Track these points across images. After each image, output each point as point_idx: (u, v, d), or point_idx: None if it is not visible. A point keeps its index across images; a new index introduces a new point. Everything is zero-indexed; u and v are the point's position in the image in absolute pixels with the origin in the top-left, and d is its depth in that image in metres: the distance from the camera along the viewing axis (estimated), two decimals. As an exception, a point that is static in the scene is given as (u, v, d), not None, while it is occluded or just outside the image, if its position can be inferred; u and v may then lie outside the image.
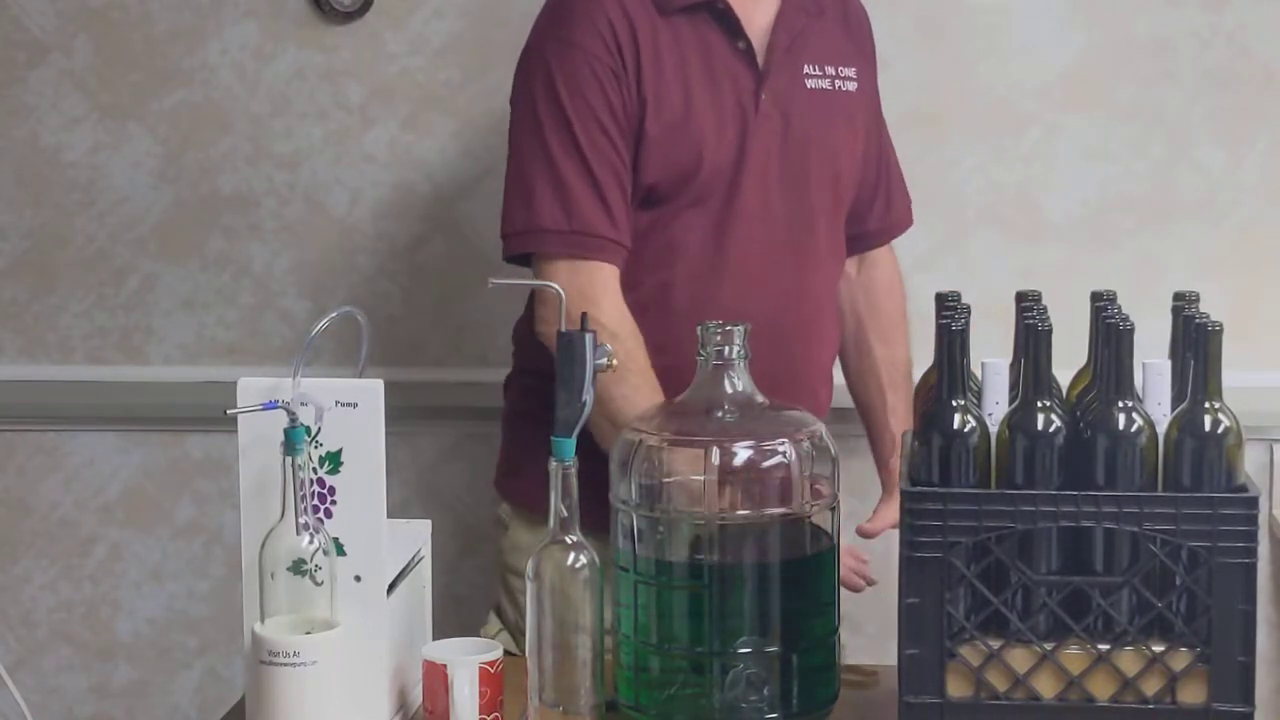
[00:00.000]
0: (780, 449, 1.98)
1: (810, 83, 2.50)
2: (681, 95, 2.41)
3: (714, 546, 1.97)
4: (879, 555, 2.60)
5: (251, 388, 1.96)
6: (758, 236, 2.45)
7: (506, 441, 2.62)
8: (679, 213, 2.43)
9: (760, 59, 2.45)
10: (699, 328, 2.02)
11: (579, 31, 2.38)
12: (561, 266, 2.36)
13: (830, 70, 2.52)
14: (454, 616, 2.84)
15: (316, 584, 1.92)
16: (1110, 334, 1.88)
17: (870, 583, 2.58)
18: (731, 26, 2.44)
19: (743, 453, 1.97)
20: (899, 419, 2.62)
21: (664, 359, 2.35)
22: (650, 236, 2.43)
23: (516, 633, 2.49)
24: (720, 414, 2.00)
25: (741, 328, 2.01)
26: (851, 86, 2.53)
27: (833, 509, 2.02)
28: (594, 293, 2.34)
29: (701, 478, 1.97)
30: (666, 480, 1.99)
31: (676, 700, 1.98)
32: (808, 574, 2.01)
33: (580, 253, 2.36)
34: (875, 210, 2.64)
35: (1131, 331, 1.88)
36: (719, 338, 2.00)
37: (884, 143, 2.66)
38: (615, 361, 2.02)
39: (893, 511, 2.54)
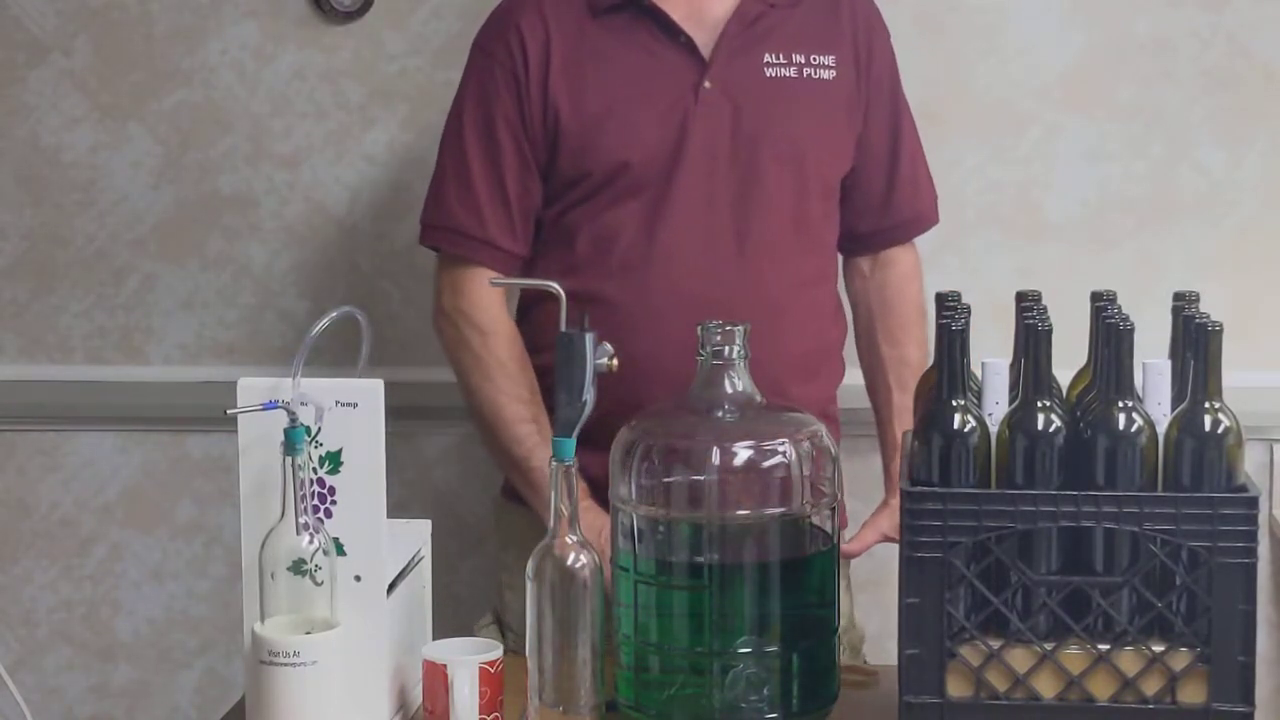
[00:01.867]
0: (780, 449, 1.98)
1: (770, 71, 2.50)
2: (603, 92, 2.45)
3: (714, 546, 1.97)
4: (880, 555, 2.60)
5: (251, 388, 1.96)
6: (698, 226, 2.46)
7: None
8: (613, 205, 2.46)
9: (708, 50, 2.47)
10: (699, 327, 2.02)
11: (489, 38, 2.53)
12: (443, 259, 2.56)
13: (799, 58, 2.51)
14: (454, 616, 2.85)
15: (316, 584, 1.92)
16: (1110, 334, 1.88)
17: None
18: (662, 22, 2.47)
19: (743, 453, 1.97)
20: (906, 420, 2.61)
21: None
22: (584, 229, 2.47)
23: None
24: (720, 414, 2.00)
25: (742, 328, 2.01)
26: (827, 75, 2.52)
27: (832, 509, 2.02)
28: (465, 287, 2.50)
29: (702, 478, 1.97)
30: (666, 480, 1.99)
31: (676, 700, 1.98)
32: (807, 574, 2.01)
33: (452, 250, 2.53)
34: (885, 206, 2.62)
35: (1131, 331, 1.88)
36: (719, 337, 2.00)
37: (899, 137, 2.62)
38: (615, 362, 2.02)
39: (884, 520, 2.54)
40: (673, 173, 2.45)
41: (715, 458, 1.96)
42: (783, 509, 1.97)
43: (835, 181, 2.56)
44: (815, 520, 2.01)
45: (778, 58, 2.50)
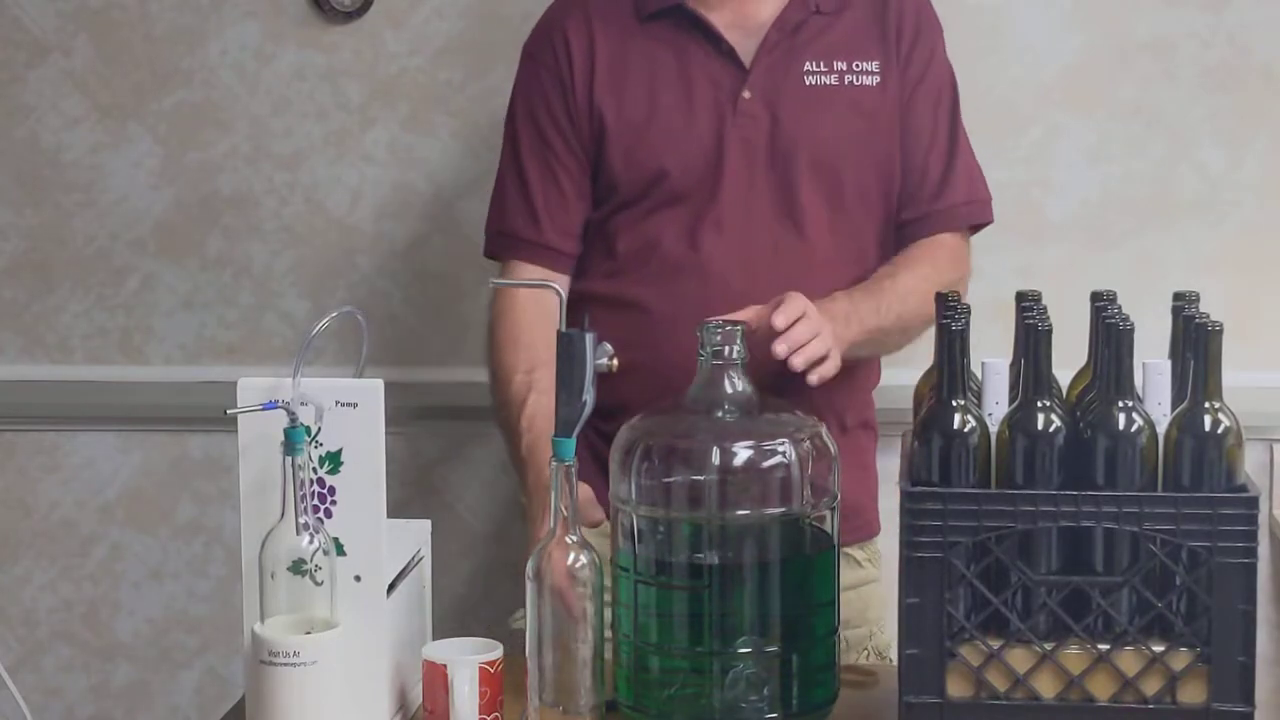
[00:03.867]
0: (780, 449, 1.98)
1: (810, 79, 2.49)
2: (644, 99, 2.46)
3: (714, 546, 1.97)
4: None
5: (251, 388, 1.96)
6: (736, 235, 2.45)
7: None
8: (652, 212, 2.46)
9: (749, 58, 2.46)
10: (699, 329, 2.02)
11: (536, 44, 2.54)
12: (501, 266, 2.55)
13: (840, 65, 2.50)
14: (454, 617, 2.85)
15: (316, 584, 1.92)
16: (1110, 334, 1.88)
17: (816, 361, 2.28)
18: (705, 30, 2.46)
19: (743, 453, 1.97)
20: (902, 285, 2.49)
21: (632, 354, 2.27)
22: (624, 234, 2.47)
23: None
24: (720, 414, 2.00)
25: (740, 327, 2.01)
26: (871, 81, 2.49)
27: (832, 509, 2.02)
28: (512, 291, 2.49)
29: (701, 478, 1.97)
30: (666, 480, 1.99)
31: (676, 700, 1.98)
32: (807, 574, 2.01)
33: (509, 258, 2.53)
34: (935, 194, 2.55)
35: (1131, 331, 1.88)
36: (719, 338, 2.00)
37: (937, 128, 2.56)
38: (615, 363, 2.02)
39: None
40: (712, 182, 2.45)
41: (715, 458, 1.96)
42: (783, 509, 1.97)
43: (877, 190, 2.52)
44: (815, 520, 2.01)
45: (818, 65, 2.49)
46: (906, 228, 2.55)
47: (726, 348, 1.99)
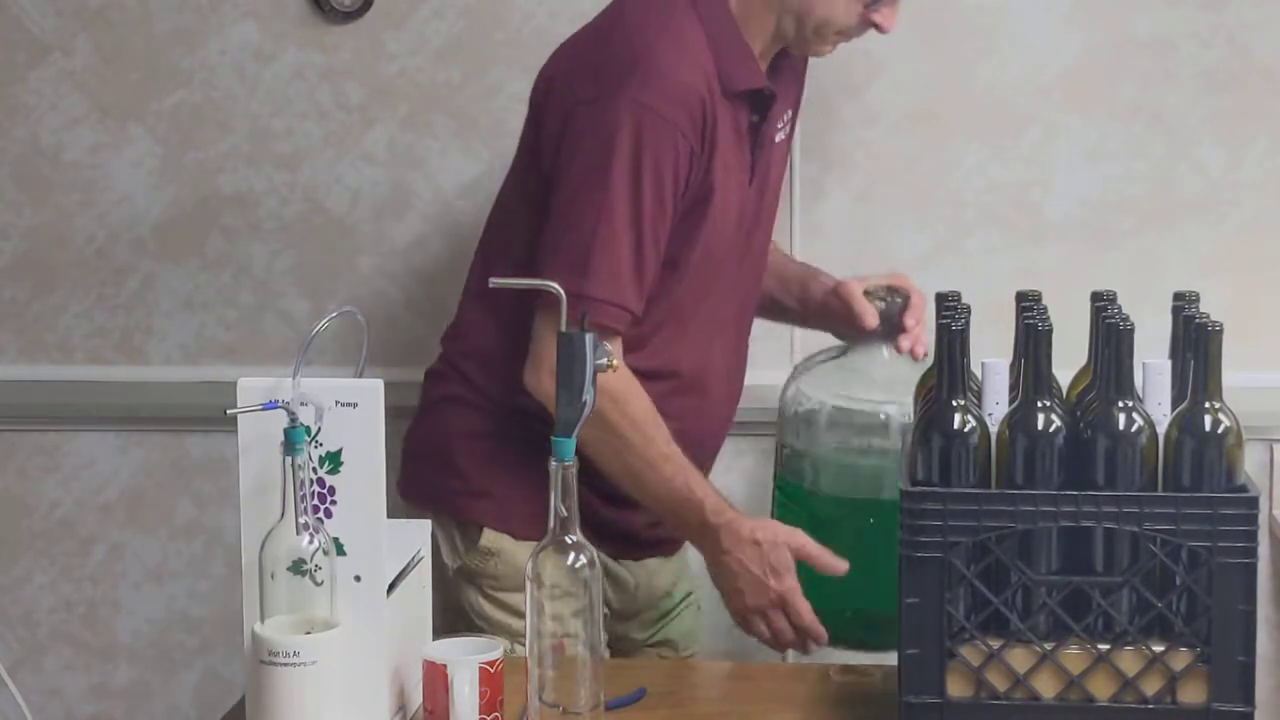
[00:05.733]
0: None
1: (777, 136, 2.53)
2: (731, 180, 2.42)
3: None
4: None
5: (251, 388, 1.96)
6: (731, 299, 2.51)
7: (458, 463, 2.52)
8: (681, 283, 2.44)
9: (762, 128, 2.48)
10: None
11: (672, 105, 2.33)
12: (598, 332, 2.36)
13: (786, 118, 2.56)
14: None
15: (316, 584, 1.92)
16: (1110, 334, 1.88)
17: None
18: (763, 109, 2.46)
19: None
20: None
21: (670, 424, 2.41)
22: (660, 302, 2.43)
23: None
24: None
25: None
26: (787, 132, 2.58)
27: None
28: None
29: None
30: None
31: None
32: None
33: (617, 328, 2.34)
34: None
35: (1131, 331, 1.88)
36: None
37: None
38: (615, 363, 2.02)
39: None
40: (726, 250, 2.46)
41: None
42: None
43: None
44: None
45: (780, 122, 2.54)
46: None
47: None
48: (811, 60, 2.59)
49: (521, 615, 2.40)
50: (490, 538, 2.47)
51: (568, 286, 2.09)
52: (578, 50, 2.47)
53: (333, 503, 1.96)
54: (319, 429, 1.95)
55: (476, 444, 2.50)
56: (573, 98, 2.38)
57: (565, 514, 1.93)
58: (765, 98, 2.45)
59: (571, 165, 2.36)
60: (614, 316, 2.33)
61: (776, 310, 2.71)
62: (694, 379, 2.48)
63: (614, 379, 2.24)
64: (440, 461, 2.52)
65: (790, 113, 2.58)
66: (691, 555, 2.57)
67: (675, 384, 2.45)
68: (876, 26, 2.45)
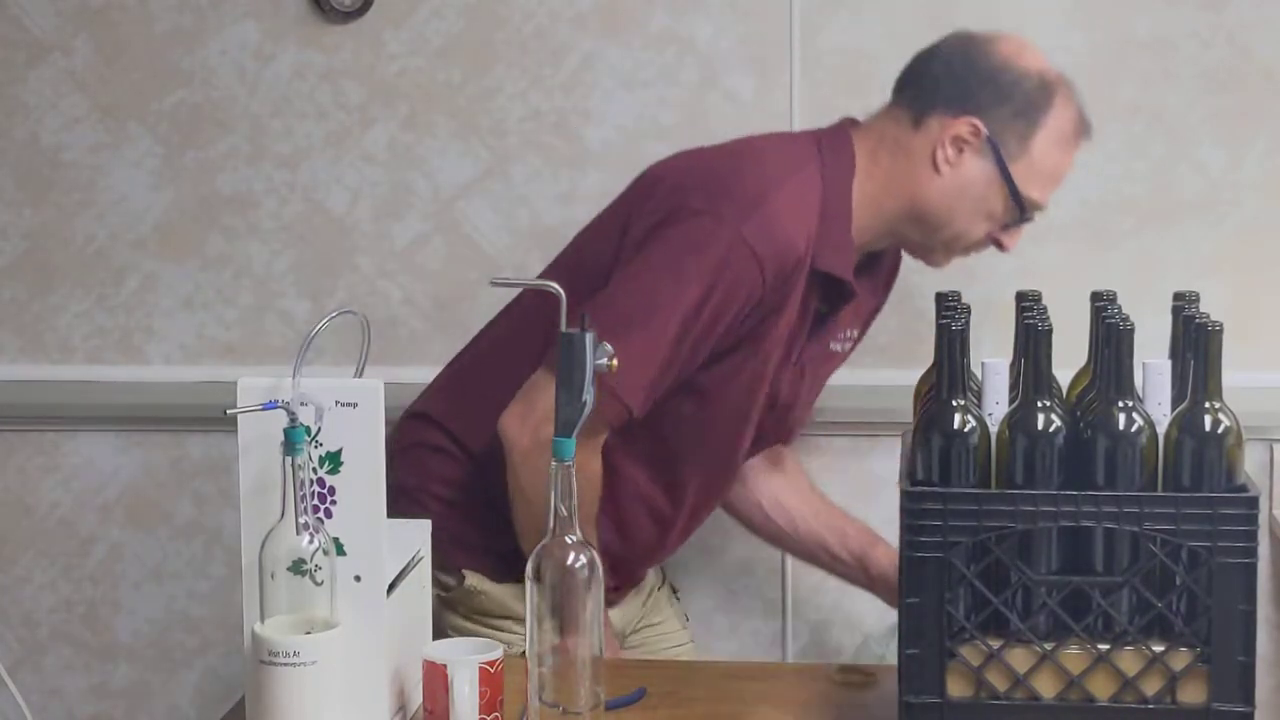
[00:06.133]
0: None
1: (834, 344, 2.54)
2: (771, 335, 2.42)
3: None
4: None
5: (251, 388, 1.96)
6: (722, 461, 2.53)
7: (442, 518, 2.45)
8: (693, 412, 2.45)
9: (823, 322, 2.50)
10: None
11: (768, 251, 2.32)
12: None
13: (851, 334, 2.58)
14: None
15: (316, 584, 1.92)
16: (1110, 334, 1.88)
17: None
18: (835, 303, 2.46)
19: None
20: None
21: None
22: (671, 423, 2.44)
23: None
24: None
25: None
26: (848, 348, 2.59)
27: None
28: (595, 443, 2.35)
29: None
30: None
31: None
32: None
33: (607, 415, 2.31)
34: None
35: (1131, 331, 1.88)
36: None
37: None
38: (615, 363, 2.02)
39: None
40: (739, 418, 2.47)
41: None
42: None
43: None
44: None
45: (843, 333, 2.56)
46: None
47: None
48: (811, 61, 2.59)
49: (507, 630, 2.43)
50: (474, 579, 2.49)
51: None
52: (700, 163, 2.46)
53: (333, 503, 1.96)
54: (319, 429, 1.95)
55: (452, 493, 2.51)
56: (681, 201, 2.36)
57: (565, 514, 1.93)
58: (843, 292, 2.43)
59: (656, 252, 2.34)
60: (614, 410, 2.31)
61: (827, 559, 2.72)
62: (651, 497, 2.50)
63: (584, 461, 2.15)
64: (418, 506, 2.48)
65: (856, 332, 2.58)
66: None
67: (682, 495, 2.49)
68: (999, 244, 2.48)
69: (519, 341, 2.44)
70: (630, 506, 2.47)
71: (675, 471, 2.48)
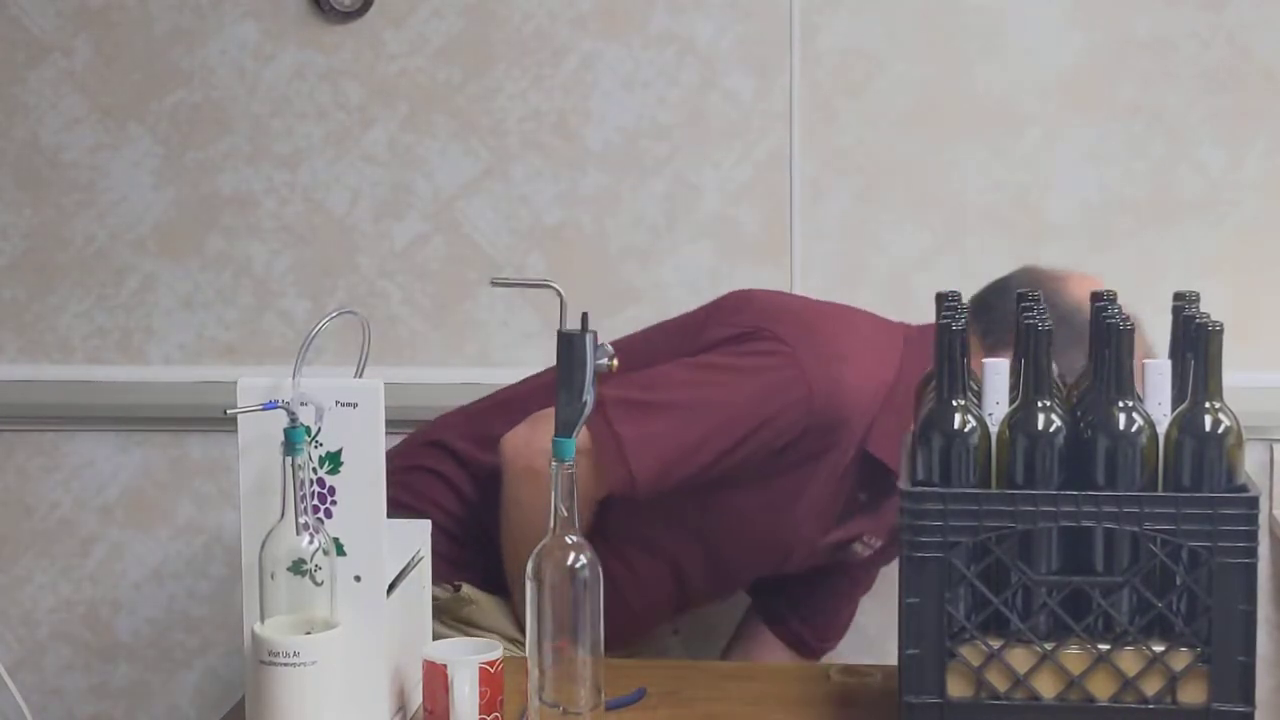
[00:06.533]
0: None
1: (858, 545, 2.57)
2: (794, 506, 2.45)
3: None
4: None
5: (251, 388, 1.96)
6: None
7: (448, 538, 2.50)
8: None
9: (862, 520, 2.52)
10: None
11: (821, 395, 2.36)
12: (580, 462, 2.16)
13: (875, 543, 2.59)
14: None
15: (316, 584, 1.92)
16: (1110, 334, 1.88)
17: None
18: (876, 493, 2.47)
19: None
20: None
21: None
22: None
23: None
24: None
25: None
26: (868, 555, 2.62)
27: None
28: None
29: None
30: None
31: None
32: None
33: (608, 476, 2.35)
34: None
35: (1132, 331, 1.88)
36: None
37: None
38: (615, 363, 2.02)
39: None
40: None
41: None
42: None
43: None
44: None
45: (871, 540, 2.58)
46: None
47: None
48: (811, 61, 2.59)
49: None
50: (469, 589, 2.50)
51: (612, 405, 2.26)
52: (797, 304, 2.55)
53: (333, 503, 1.96)
54: (319, 429, 1.95)
55: (446, 520, 2.51)
56: (769, 325, 2.41)
57: (565, 514, 1.93)
58: (886, 487, 2.39)
59: (726, 356, 2.40)
60: (618, 476, 2.34)
61: None
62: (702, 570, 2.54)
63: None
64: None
65: (882, 543, 2.58)
66: None
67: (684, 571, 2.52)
68: None
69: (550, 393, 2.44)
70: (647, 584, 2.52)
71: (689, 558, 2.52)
